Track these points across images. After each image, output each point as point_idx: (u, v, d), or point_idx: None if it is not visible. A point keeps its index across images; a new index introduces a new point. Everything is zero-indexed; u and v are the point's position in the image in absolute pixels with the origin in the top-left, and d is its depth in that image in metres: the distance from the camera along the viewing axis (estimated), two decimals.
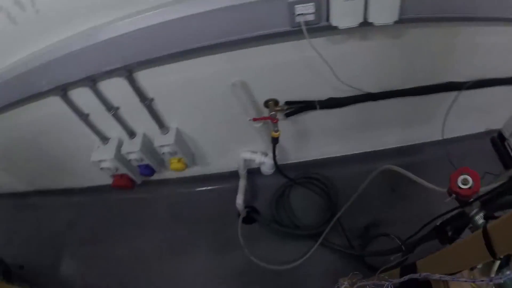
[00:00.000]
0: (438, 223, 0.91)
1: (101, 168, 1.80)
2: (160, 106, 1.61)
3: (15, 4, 1.13)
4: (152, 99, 1.55)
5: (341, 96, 1.60)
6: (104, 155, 1.75)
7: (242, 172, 2.03)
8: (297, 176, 2.08)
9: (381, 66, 1.49)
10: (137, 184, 2.02)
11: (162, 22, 1.18)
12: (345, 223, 1.88)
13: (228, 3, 1.15)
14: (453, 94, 1.62)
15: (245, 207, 1.97)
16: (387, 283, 1.03)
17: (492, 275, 0.70)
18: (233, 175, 2.10)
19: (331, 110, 1.66)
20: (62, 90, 1.49)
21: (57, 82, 1.41)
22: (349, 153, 2.08)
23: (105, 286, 2.12)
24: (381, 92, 1.60)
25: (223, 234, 2.03)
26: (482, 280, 0.68)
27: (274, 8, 1.16)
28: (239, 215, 1.95)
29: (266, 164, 1.94)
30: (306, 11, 1.15)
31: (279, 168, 1.82)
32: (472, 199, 0.75)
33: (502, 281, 0.67)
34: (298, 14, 1.16)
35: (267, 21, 1.20)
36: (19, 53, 1.34)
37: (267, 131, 1.72)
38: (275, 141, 1.64)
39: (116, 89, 1.49)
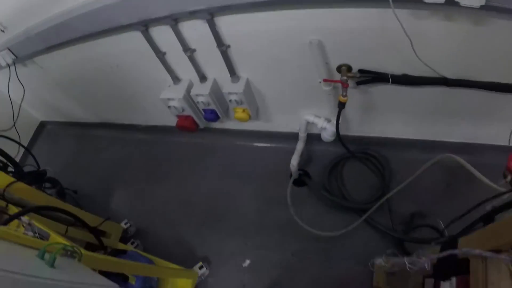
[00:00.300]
0: (487, 208, 0.93)
1: (169, 107, 1.97)
2: (234, 54, 1.71)
3: None
4: (228, 46, 1.66)
5: (415, 75, 1.60)
6: (174, 94, 1.91)
7: (302, 135, 2.11)
8: (355, 150, 2.12)
9: (461, 51, 1.46)
10: (199, 128, 2.18)
11: None
12: (393, 206, 1.93)
13: None
14: None
15: (299, 169, 2.06)
16: (425, 258, 1.09)
17: None
18: (292, 137, 2.19)
19: (403, 87, 1.67)
20: (144, 26, 1.64)
21: (141, 16, 1.56)
22: (411, 138, 2.08)
23: (149, 221, 2.36)
24: (456, 79, 1.57)
25: (272, 190, 2.16)
26: None
27: None
28: (291, 175, 2.05)
29: (327, 130, 1.99)
30: None
31: (339, 136, 1.86)
32: None
33: None
34: None
35: None
36: None
37: (335, 96, 1.76)
38: (341, 106, 1.68)
39: (195, 31, 1.62)
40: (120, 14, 1.58)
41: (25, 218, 1.33)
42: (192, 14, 1.48)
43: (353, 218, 1.88)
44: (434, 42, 1.43)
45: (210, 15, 1.48)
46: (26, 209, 1.40)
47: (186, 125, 2.07)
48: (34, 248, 1.03)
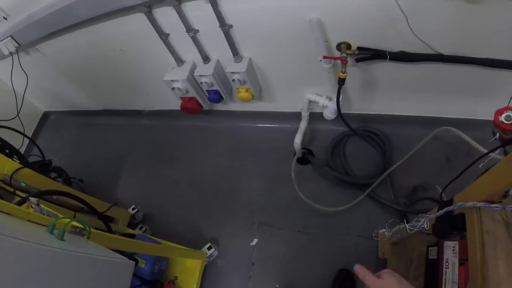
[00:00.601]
0: (480, 169, 1.00)
1: (172, 88, 2.04)
2: (237, 33, 1.78)
3: None
4: (230, 26, 1.73)
5: (412, 52, 1.68)
6: (177, 76, 1.98)
7: (305, 114, 2.19)
8: (357, 127, 2.21)
9: (456, 28, 1.53)
10: (203, 109, 2.25)
11: None
12: (395, 181, 2.03)
13: None
14: None
15: (302, 148, 2.15)
16: (423, 219, 1.18)
17: None
18: (295, 116, 2.28)
19: (401, 64, 1.74)
20: (148, 7, 1.71)
21: None
22: (411, 114, 2.15)
23: (157, 205, 2.45)
24: (452, 56, 1.65)
25: (277, 169, 2.26)
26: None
27: None
28: (295, 154, 2.14)
29: (329, 108, 2.07)
30: None
31: (341, 113, 1.94)
32: None
33: None
34: None
35: None
36: None
37: (335, 74, 1.83)
38: (341, 82, 1.75)
39: (198, 11, 1.69)
40: None
41: (33, 199, 1.37)
42: None
43: (357, 193, 1.99)
44: (430, 19, 1.50)
45: None
46: (38, 192, 1.47)
47: (190, 106, 2.14)
48: (44, 225, 1.06)
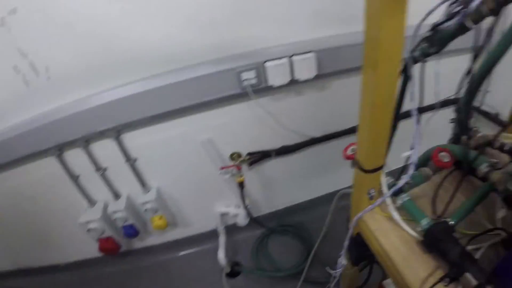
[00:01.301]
0: None
1: (88, 230, 2.12)
2: (142, 165, 2.04)
3: (32, 70, 1.60)
4: (135, 159, 2.00)
5: (291, 143, 2.14)
6: (91, 216, 2.10)
7: (221, 228, 2.42)
8: (272, 226, 2.51)
9: (316, 113, 2.04)
10: (122, 248, 2.35)
11: (143, 91, 1.71)
12: (323, 258, 2.23)
13: (192, 75, 1.72)
14: None
15: (228, 261, 2.34)
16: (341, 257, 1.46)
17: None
18: (213, 234, 2.47)
19: (287, 156, 2.18)
20: (59, 150, 1.89)
21: (55, 141, 1.81)
22: (314, 197, 2.53)
23: None
24: (323, 136, 2.15)
25: None
26: (379, 200, 1.10)
27: (227, 76, 1.74)
28: (223, 270, 2.32)
29: (240, 215, 2.35)
30: (249, 77, 1.75)
31: (252, 216, 2.23)
32: None
33: (389, 195, 1.08)
34: (244, 80, 1.76)
35: (222, 86, 1.78)
36: (24, 114, 1.75)
37: (235, 182, 2.16)
38: (241, 185, 2.11)
39: (105, 150, 1.92)
40: (35, 140, 1.79)
41: None
42: (102, 134, 1.81)
43: (295, 283, 2.17)
44: (297, 113, 1.99)
45: (117, 133, 1.83)
46: None
47: (108, 246, 2.22)
48: None
